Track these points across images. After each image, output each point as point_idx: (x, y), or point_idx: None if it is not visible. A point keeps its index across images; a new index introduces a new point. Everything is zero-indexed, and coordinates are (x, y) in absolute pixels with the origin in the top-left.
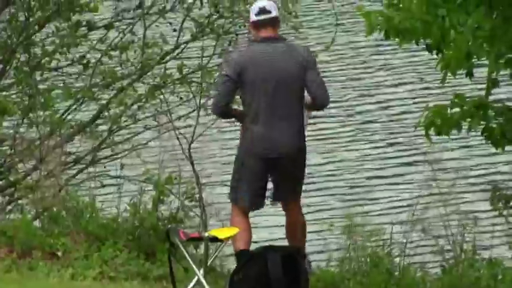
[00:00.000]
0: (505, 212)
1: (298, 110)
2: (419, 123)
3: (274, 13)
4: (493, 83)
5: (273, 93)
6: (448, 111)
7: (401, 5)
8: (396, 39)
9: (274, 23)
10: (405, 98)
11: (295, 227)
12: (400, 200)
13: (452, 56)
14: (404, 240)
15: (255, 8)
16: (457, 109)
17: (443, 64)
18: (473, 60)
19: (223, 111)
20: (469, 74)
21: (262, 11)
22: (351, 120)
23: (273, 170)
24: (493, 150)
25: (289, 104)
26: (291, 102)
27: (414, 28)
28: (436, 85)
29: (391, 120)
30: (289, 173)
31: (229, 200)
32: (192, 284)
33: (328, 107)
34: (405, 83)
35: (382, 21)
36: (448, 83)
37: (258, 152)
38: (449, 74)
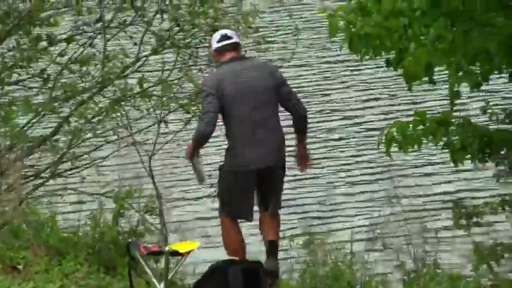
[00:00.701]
0: (466, 230)
1: (278, 121)
2: (380, 140)
3: (235, 39)
4: (455, 95)
5: (253, 105)
6: (410, 128)
7: (364, 9)
8: (359, 52)
9: (236, 47)
10: (376, 114)
11: (272, 220)
12: (365, 217)
13: (411, 68)
14: (366, 256)
15: (216, 36)
16: (420, 126)
17: (405, 74)
18: (433, 70)
19: (213, 130)
20: (431, 81)
21: (224, 37)
22: (319, 137)
23: (259, 181)
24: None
25: (270, 116)
26: (271, 113)
27: (375, 35)
28: (406, 101)
29: (360, 137)
30: (274, 184)
31: (218, 214)
32: None
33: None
34: (375, 99)
35: (344, 25)
36: (421, 98)
37: (246, 164)
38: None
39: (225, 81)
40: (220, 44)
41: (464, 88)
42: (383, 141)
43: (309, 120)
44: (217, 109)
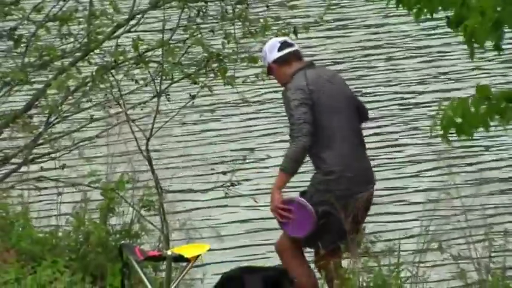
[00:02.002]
0: None
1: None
2: (433, 124)
3: (296, 46)
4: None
5: (347, 115)
6: (471, 107)
7: None
8: (410, 9)
9: (301, 54)
10: None
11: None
12: (410, 211)
13: (477, 25)
14: (417, 260)
15: (273, 44)
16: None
17: (467, 37)
18: (502, 31)
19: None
20: (498, 48)
21: (286, 44)
22: None
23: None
24: None
25: (359, 126)
26: (359, 124)
27: None
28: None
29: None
30: (367, 212)
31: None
32: None
33: None
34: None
35: None
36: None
37: (351, 186)
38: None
39: (317, 90)
40: (283, 53)
41: None
42: (438, 125)
43: None
44: (312, 120)
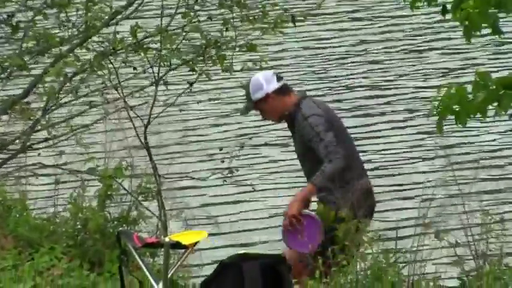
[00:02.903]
0: None
1: None
2: (432, 110)
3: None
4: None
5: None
6: (469, 94)
7: None
8: None
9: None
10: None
11: None
12: (407, 197)
13: (473, 9)
14: (414, 247)
15: (268, 76)
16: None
17: (463, 16)
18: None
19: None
20: (497, 31)
21: (279, 77)
22: None
23: None
24: None
25: None
26: None
27: None
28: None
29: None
30: None
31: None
32: None
33: None
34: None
35: None
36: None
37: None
38: None
39: (329, 115)
40: (281, 83)
41: None
42: (436, 111)
43: None
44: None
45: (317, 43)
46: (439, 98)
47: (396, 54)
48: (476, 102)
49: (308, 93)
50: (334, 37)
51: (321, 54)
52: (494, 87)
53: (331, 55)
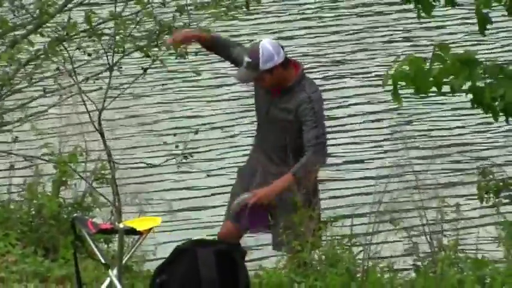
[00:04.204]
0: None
1: None
2: (387, 76)
3: None
4: (484, 21)
5: None
6: (426, 65)
7: None
8: None
9: None
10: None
11: None
12: (363, 185)
13: None
14: (369, 234)
15: (276, 46)
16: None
17: None
18: None
19: None
20: (451, 1)
21: (283, 47)
22: None
23: None
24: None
25: None
26: None
27: None
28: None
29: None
30: None
31: None
32: (103, 287)
33: None
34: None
35: None
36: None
37: None
38: None
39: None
40: (285, 54)
41: (496, 13)
42: (390, 80)
43: None
44: None
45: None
46: (395, 68)
47: None
48: (432, 73)
49: None
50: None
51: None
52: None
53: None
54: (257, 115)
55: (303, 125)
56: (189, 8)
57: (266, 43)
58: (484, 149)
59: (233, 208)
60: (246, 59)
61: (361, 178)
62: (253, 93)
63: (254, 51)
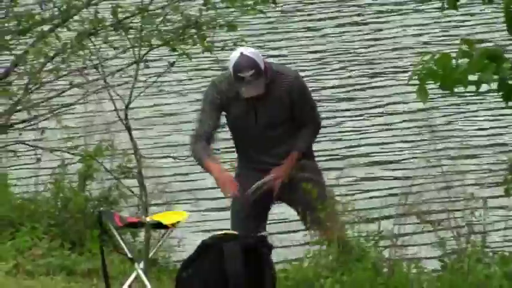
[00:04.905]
0: None
1: None
2: (412, 74)
3: None
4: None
5: None
6: (453, 61)
7: None
8: None
9: None
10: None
11: None
12: (391, 179)
13: None
14: (395, 229)
15: (255, 50)
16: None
17: None
18: None
19: None
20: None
21: None
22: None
23: None
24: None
25: None
26: None
27: None
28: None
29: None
30: None
31: None
32: (129, 281)
33: None
34: None
35: None
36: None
37: None
38: None
39: None
40: None
41: None
42: (416, 77)
43: None
44: None
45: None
46: (421, 64)
47: None
48: (459, 70)
49: None
50: None
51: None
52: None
53: None
54: (240, 132)
55: (299, 110)
56: (215, 2)
57: (245, 50)
58: None
59: (252, 192)
60: (247, 72)
61: (394, 178)
62: (216, 119)
63: (248, 61)
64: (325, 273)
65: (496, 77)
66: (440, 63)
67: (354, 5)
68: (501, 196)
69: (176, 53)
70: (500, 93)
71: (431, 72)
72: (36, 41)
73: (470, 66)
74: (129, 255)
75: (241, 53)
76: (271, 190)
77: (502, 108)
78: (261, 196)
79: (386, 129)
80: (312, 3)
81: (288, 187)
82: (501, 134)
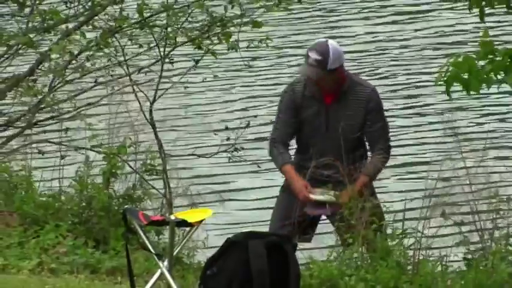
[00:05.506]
0: None
1: None
2: (438, 78)
3: None
4: None
5: None
6: (476, 63)
7: None
8: None
9: None
10: None
11: None
12: (415, 178)
13: None
14: (420, 228)
15: (339, 46)
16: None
17: None
18: None
19: None
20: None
21: None
22: None
23: None
24: None
25: None
26: None
27: None
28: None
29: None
30: None
31: None
32: (154, 279)
33: None
34: None
35: None
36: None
37: None
38: None
39: None
40: None
41: None
42: (443, 79)
43: None
44: None
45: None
46: (446, 67)
47: None
48: (484, 71)
49: None
50: None
51: None
52: (501, 58)
53: None
54: (308, 133)
55: (371, 123)
56: None
57: (333, 43)
58: None
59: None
60: (315, 56)
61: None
62: (292, 120)
63: (323, 50)
64: (349, 271)
65: None
66: (465, 66)
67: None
68: None
69: (201, 51)
70: None
71: (456, 75)
72: (60, 38)
73: (495, 67)
74: (154, 253)
75: (326, 40)
76: (333, 213)
77: None
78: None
79: (415, 131)
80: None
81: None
82: None
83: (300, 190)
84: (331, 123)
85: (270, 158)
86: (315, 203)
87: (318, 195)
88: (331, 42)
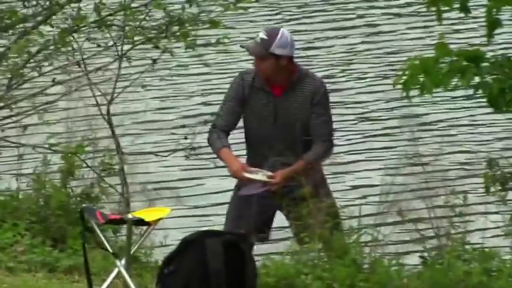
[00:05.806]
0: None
1: None
2: (397, 80)
3: None
4: (493, 24)
5: None
6: (433, 65)
7: None
8: None
9: None
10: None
11: None
12: (370, 177)
13: None
14: (376, 225)
15: (288, 36)
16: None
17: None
18: None
19: None
20: (465, 9)
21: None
22: None
23: None
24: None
25: None
26: None
27: None
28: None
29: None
30: None
31: None
32: (111, 278)
33: None
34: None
35: None
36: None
37: None
38: None
39: None
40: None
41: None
42: (401, 81)
43: None
44: None
45: None
46: (405, 69)
47: None
48: (441, 73)
49: None
50: None
51: None
52: (455, 59)
53: None
54: (256, 125)
55: (316, 115)
56: None
57: (287, 32)
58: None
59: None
60: (262, 35)
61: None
62: (237, 109)
63: (273, 32)
64: (306, 269)
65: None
66: (423, 67)
67: None
68: (481, 190)
69: (159, 50)
70: (479, 94)
71: (414, 77)
72: (18, 37)
73: (451, 68)
74: (111, 251)
75: (281, 28)
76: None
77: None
78: (262, 207)
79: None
80: None
81: (292, 202)
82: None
83: (236, 169)
84: (279, 115)
85: (208, 144)
86: (248, 183)
87: (253, 174)
88: (284, 30)
